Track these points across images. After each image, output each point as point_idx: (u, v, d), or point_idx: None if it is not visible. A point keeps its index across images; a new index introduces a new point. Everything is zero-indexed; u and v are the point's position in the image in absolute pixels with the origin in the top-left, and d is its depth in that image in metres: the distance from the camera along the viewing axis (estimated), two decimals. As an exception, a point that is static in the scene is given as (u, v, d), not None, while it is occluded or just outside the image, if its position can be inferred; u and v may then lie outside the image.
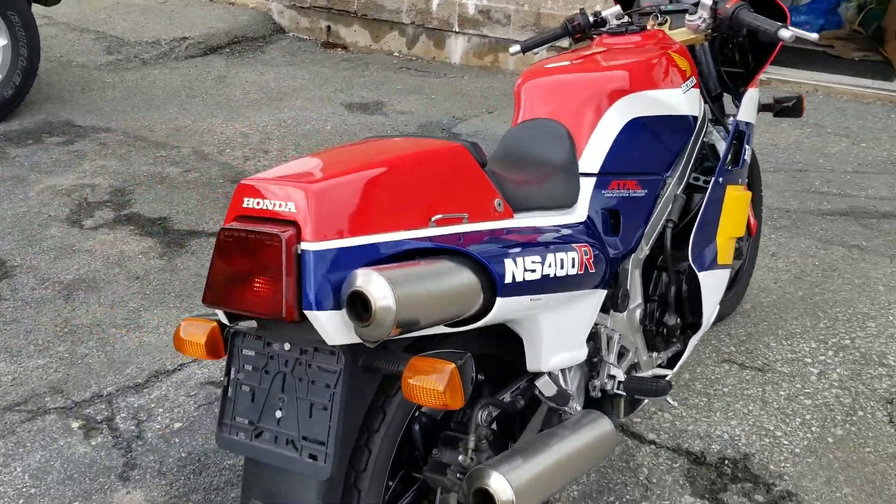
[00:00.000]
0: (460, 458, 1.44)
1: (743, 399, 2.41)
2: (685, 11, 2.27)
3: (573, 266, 1.51)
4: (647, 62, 1.93)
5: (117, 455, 2.17)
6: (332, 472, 1.22)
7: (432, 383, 1.19)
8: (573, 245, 1.54)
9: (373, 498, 1.34)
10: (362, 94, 5.39)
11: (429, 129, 4.75)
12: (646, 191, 1.90)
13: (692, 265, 1.98)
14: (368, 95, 5.35)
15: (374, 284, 1.14)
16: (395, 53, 6.46)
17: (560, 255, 1.48)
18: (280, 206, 1.22)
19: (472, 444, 1.44)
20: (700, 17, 2.17)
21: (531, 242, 1.47)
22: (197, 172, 4.01)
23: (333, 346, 1.23)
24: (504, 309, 1.34)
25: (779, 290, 3.06)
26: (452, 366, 1.20)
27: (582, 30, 2.33)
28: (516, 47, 2.42)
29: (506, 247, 1.40)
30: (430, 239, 1.32)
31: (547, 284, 1.44)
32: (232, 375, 1.34)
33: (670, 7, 2.29)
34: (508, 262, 1.36)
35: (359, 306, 1.15)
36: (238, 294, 1.22)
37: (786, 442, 2.24)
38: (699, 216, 2.00)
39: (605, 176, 1.80)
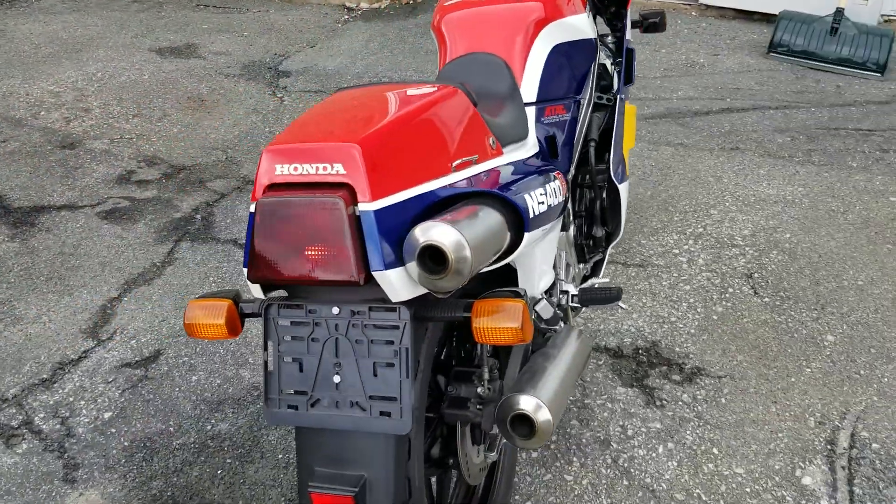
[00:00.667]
0: (479, 390, 1.50)
1: (636, 294, 2.65)
2: None
3: (559, 194, 1.59)
4: None
5: (52, 458, 2.01)
6: (410, 425, 1.23)
7: (509, 321, 1.22)
8: (554, 174, 1.61)
9: (419, 441, 1.37)
10: (168, 37, 5.02)
11: (253, 69, 4.54)
12: (569, 114, 2.00)
13: (612, 178, 2.12)
14: (176, 38, 5.00)
15: (448, 236, 1.14)
16: (188, -10, 6.04)
17: (551, 185, 1.55)
18: (326, 168, 1.18)
19: (486, 375, 1.51)
20: None
21: (531, 176, 1.52)
22: (16, 141, 3.60)
23: (394, 303, 1.22)
24: (526, 243, 1.40)
25: (630, 192, 3.33)
26: (522, 303, 1.24)
27: None
28: None
29: (517, 183, 1.44)
30: (453, 185, 1.33)
31: (550, 214, 1.51)
32: (271, 349, 1.30)
33: None
34: (528, 197, 1.40)
35: (428, 259, 1.16)
36: (296, 265, 1.18)
37: (681, 325, 2.51)
38: (615, 132, 2.13)
39: (541, 104, 1.87)
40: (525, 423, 1.36)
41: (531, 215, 1.39)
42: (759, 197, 3.28)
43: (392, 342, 1.24)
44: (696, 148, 3.72)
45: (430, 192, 1.28)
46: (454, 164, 1.35)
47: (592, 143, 2.07)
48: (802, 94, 4.23)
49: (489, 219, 1.28)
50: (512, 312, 1.22)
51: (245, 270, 1.24)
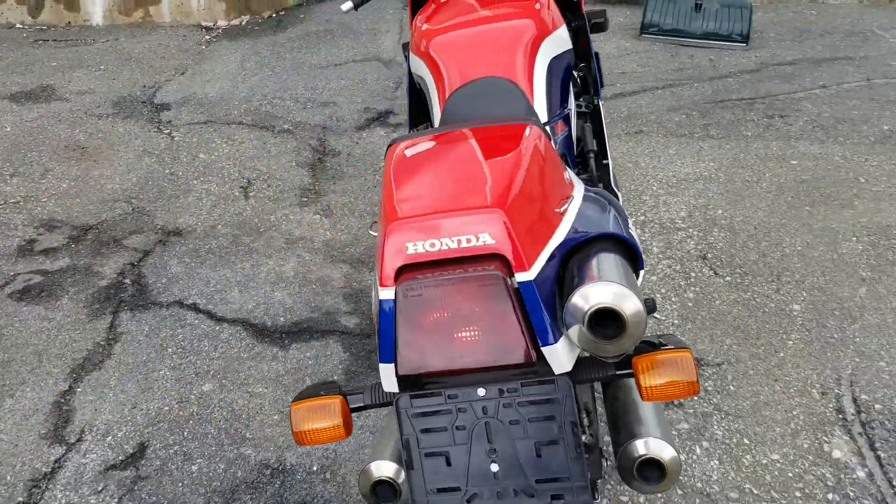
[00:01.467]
0: (583, 438, 1.42)
1: (611, 294, 2.65)
2: None
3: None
4: (543, 4, 1.93)
5: None
6: (594, 497, 1.13)
7: (681, 375, 1.14)
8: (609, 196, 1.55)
9: None
10: (16, 80, 4.49)
11: (126, 105, 4.16)
12: (568, 128, 1.94)
13: (614, 188, 2.09)
14: (25, 81, 4.48)
15: (626, 298, 1.05)
16: (19, 25, 5.43)
17: (620, 209, 1.49)
18: (470, 240, 1.05)
19: (586, 421, 1.43)
20: None
21: (605, 204, 1.44)
22: None
23: (553, 374, 1.12)
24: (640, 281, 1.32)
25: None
26: (689, 353, 1.16)
27: None
28: (349, 4, 2.22)
29: (609, 216, 1.36)
30: (576, 232, 1.24)
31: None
32: (411, 447, 1.15)
33: None
34: (633, 232, 1.33)
35: (596, 324, 1.06)
36: (455, 352, 1.04)
37: (663, 318, 2.53)
38: (605, 138, 2.09)
39: (551, 122, 1.79)
40: (653, 467, 1.30)
41: (641, 250, 1.33)
42: (679, 177, 3.37)
43: (553, 417, 1.13)
44: (613, 137, 3.78)
45: (558, 246, 1.18)
46: (561, 209, 1.25)
47: (592, 154, 2.02)
48: (682, 70, 4.39)
49: (624, 266, 1.20)
50: (682, 365, 1.14)
51: (383, 366, 1.09)
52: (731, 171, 3.40)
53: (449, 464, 1.14)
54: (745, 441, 2.05)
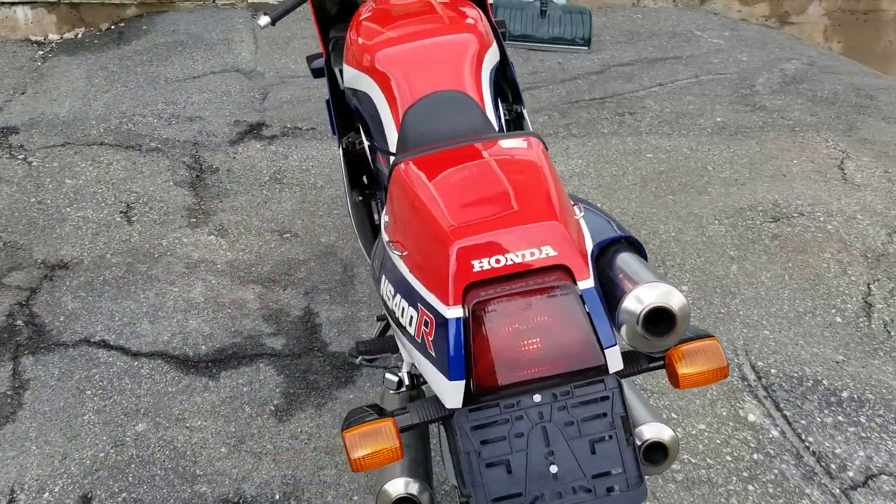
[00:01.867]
0: None
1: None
2: None
3: None
4: (477, 14, 1.99)
5: None
6: (646, 490, 1.21)
7: (714, 363, 1.22)
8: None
9: None
10: None
11: (-36, 130, 3.77)
12: None
13: None
14: None
15: (673, 296, 1.13)
16: None
17: None
18: (534, 253, 1.10)
19: None
20: None
21: (598, 211, 1.52)
22: None
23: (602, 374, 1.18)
24: None
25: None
26: (716, 340, 1.25)
27: None
28: (266, 19, 2.17)
29: (607, 219, 1.43)
30: (602, 240, 1.31)
31: None
32: (472, 461, 1.18)
33: None
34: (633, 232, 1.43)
35: (644, 321, 1.14)
36: (533, 361, 1.09)
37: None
38: None
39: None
40: (657, 450, 1.40)
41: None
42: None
43: (605, 414, 1.20)
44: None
45: (592, 252, 1.26)
46: (579, 217, 1.33)
47: None
48: (536, 74, 4.62)
49: (648, 264, 1.29)
50: (713, 353, 1.25)
51: (452, 384, 1.11)
52: (599, 166, 3.65)
53: (510, 471, 1.18)
54: (674, 415, 2.24)
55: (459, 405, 1.16)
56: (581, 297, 1.12)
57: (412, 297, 1.24)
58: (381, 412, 1.22)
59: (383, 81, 1.83)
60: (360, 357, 2.38)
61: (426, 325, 1.18)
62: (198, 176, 3.48)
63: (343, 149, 2.31)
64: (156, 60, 4.50)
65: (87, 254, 2.90)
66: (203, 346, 2.48)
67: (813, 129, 4.17)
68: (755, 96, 4.53)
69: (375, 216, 2.28)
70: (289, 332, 2.55)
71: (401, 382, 1.66)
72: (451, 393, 1.15)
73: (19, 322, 2.56)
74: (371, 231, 2.25)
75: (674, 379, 1.24)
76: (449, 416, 1.19)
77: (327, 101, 2.44)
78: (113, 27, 4.98)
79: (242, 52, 4.67)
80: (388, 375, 1.67)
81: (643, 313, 1.14)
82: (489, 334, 1.09)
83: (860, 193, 3.56)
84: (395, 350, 2.00)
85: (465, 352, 1.12)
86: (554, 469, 1.19)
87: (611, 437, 1.20)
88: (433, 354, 1.16)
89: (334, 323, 2.60)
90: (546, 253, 1.12)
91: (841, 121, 4.30)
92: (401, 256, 1.30)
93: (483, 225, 1.14)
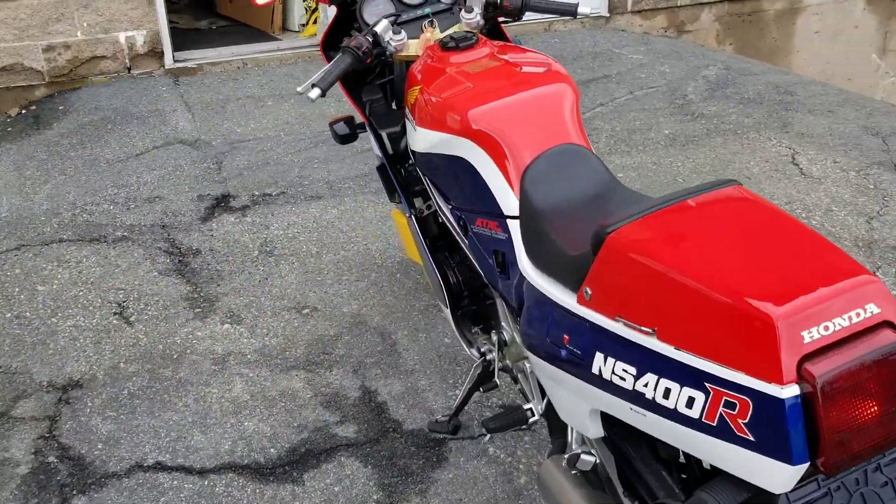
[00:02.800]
0: None
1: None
2: (449, 11, 2.25)
3: None
4: (551, 60, 1.91)
5: None
6: None
7: None
8: None
9: None
10: None
11: None
12: None
13: None
14: None
15: None
16: None
17: None
18: (860, 314, 1.04)
19: None
20: (477, 15, 2.16)
21: None
22: None
23: None
24: None
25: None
26: None
27: (372, 54, 2.08)
28: (317, 91, 1.99)
29: None
30: None
31: None
32: None
33: (440, 7, 2.25)
34: None
35: None
36: (880, 429, 1.02)
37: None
38: None
39: None
40: None
41: None
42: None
43: None
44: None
45: None
46: None
47: None
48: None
49: None
50: None
51: (792, 468, 1.02)
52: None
53: None
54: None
55: (790, 488, 1.07)
56: None
57: (690, 377, 1.14)
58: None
59: (488, 143, 1.72)
60: (489, 435, 2.24)
61: (730, 406, 1.08)
62: (180, 261, 3.20)
63: (415, 215, 2.18)
64: (88, 142, 4.14)
65: (97, 367, 2.59)
66: (272, 449, 2.25)
67: (753, 130, 4.36)
68: (690, 105, 4.69)
69: (449, 274, 2.15)
70: (356, 417, 2.37)
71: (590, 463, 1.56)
72: (785, 477, 1.05)
73: (52, 459, 2.24)
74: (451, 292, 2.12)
75: None
76: (766, 501, 1.10)
77: (380, 168, 2.30)
78: (24, 111, 4.55)
79: (179, 121, 4.37)
80: (584, 457, 1.56)
81: None
82: (832, 413, 1.01)
83: (824, 186, 3.73)
84: (525, 421, 1.88)
85: (804, 432, 1.03)
86: None
87: None
88: (750, 438, 1.07)
89: (398, 398, 2.43)
90: (871, 311, 1.05)
91: (774, 119, 4.51)
92: (651, 334, 1.19)
93: (797, 289, 1.06)
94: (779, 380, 1.02)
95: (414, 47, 2.17)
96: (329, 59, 2.40)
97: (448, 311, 2.11)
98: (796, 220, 1.24)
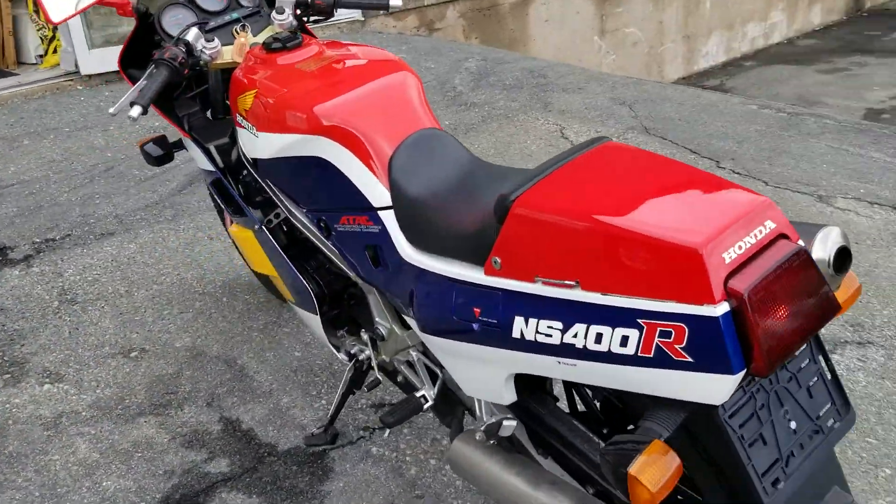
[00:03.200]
0: None
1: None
2: (257, 14, 2.21)
3: None
4: (382, 51, 1.94)
5: None
6: (853, 412, 1.33)
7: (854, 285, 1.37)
8: None
9: None
10: None
11: None
12: None
13: None
14: None
15: (843, 233, 1.26)
16: None
17: None
18: (762, 231, 1.17)
19: None
20: (289, 15, 2.14)
21: None
22: None
23: None
24: None
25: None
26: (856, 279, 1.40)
27: (188, 64, 1.98)
28: (138, 109, 1.85)
29: None
30: None
31: None
32: (739, 447, 1.21)
33: (247, 10, 2.21)
34: None
35: (834, 262, 1.25)
36: (802, 328, 1.16)
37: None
38: None
39: None
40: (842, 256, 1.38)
41: None
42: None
43: (810, 358, 1.31)
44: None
45: None
46: None
47: None
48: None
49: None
50: (853, 281, 1.42)
51: (728, 377, 1.12)
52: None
53: (765, 443, 1.23)
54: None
55: (727, 399, 1.18)
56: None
57: (621, 317, 1.21)
58: (635, 442, 1.20)
59: (345, 137, 1.70)
60: (388, 432, 2.21)
61: (665, 335, 1.16)
62: (-33, 327, 2.80)
63: (265, 227, 2.09)
64: None
65: None
66: (142, 503, 2.06)
67: (521, 112, 4.69)
68: (461, 96, 4.93)
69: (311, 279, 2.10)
70: (224, 450, 2.24)
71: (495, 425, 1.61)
72: (726, 387, 1.14)
73: None
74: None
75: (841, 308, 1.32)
76: (704, 415, 1.21)
77: (214, 183, 2.18)
78: None
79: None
80: (506, 423, 1.61)
81: (832, 255, 1.25)
82: (764, 319, 1.12)
83: (595, 154, 4.11)
84: (420, 409, 1.90)
85: (737, 342, 1.13)
86: (793, 425, 1.28)
87: (820, 376, 1.33)
88: (689, 360, 1.16)
89: (264, 422, 2.33)
90: (769, 227, 1.17)
91: (536, 100, 4.89)
92: (575, 286, 1.26)
93: (709, 219, 1.16)
94: (711, 300, 1.12)
95: (229, 54, 2.10)
96: (130, 77, 2.24)
97: (315, 319, 2.07)
98: (679, 162, 1.36)
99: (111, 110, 1.93)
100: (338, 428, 2.25)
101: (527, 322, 1.34)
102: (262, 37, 2.18)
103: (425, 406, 1.88)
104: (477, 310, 1.44)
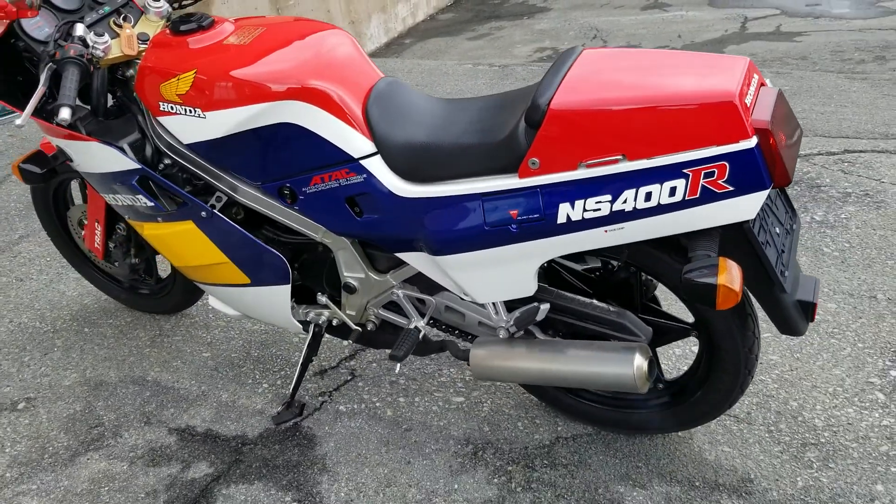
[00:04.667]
0: None
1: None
2: (126, 5, 2.15)
3: None
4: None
5: None
6: (798, 216, 1.79)
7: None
8: None
9: None
10: None
11: None
12: None
13: None
14: None
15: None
16: None
17: None
18: (755, 80, 1.55)
19: None
20: (164, 3, 2.10)
21: None
22: None
23: None
24: None
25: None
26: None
27: (93, 60, 1.88)
28: (67, 111, 1.71)
29: None
30: None
31: None
32: (771, 246, 1.60)
33: (116, 4, 2.15)
34: None
35: None
36: (797, 145, 1.56)
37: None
38: None
39: None
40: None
41: None
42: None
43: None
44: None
45: None
46: None
47: None
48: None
49: None
50: None
51: (762, 193, 1.46)
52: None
53: (769, 245, 1.61)
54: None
55: (758, 211, 1.50)
56: None
57: (668, 173, 1.49)
58: (707, 264, 1.50)
59: (316, 97, 1.75)
60: (398, 366, 2.26)
61: (709, 175, 1.46)
62: None
63: (216, 212, 2.01)
64: None
65: None
66: None
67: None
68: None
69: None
70: (195, 455, 2.13)
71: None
72: (759, 202, 1.46)
73: None
74: None
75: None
76: (733, 232, 1.56)
77: (140, 181, 2.03)
78: None
79: None
80: (542, 307, 1.82)
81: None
82: (781, 138, 1.47)
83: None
84: (419, 338, 2.02)
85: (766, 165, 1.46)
86: (777, 230, 1.69)
87: (778, 191, 1.76)
88: (730, 189, 1.46)
89: (217, 420, 2.25)
90: (756, 79, 1.55)
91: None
92: (623, 159, 1.51)
93: (725, 77, 1.49)
94: (746, 136, 1.44)
95: (117, 48, 2.00)
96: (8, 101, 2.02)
97: (285, 289, 2.05)
98: (655, 49, 1.70)
99: (18, 122, 1.75)
100: (301, 398, 2.27)
101: (572, 205, 1.58)
102: (140, 27, 2.09)
103: (421, 334, 2.02)
104: (514, 212, 1.64)
